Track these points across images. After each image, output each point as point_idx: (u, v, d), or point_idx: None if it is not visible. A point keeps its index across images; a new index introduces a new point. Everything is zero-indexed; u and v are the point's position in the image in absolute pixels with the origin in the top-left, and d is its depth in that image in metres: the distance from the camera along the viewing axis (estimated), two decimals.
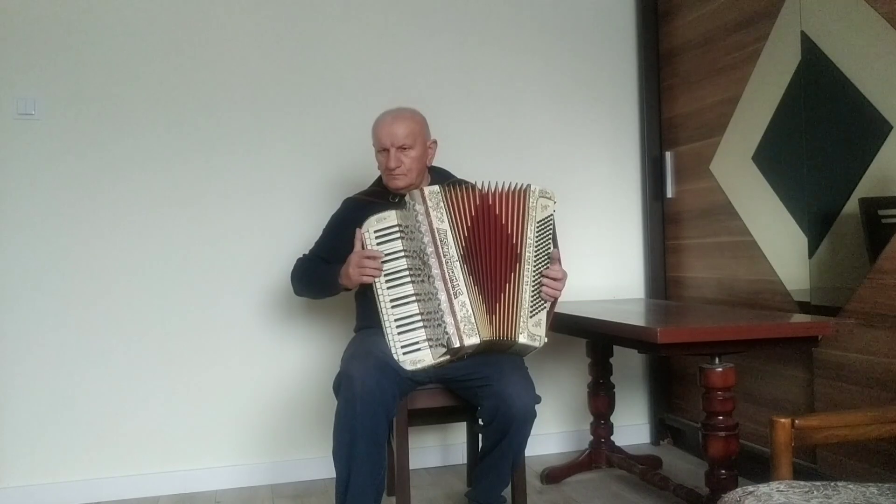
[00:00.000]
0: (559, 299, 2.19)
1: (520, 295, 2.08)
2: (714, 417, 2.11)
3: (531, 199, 2.14)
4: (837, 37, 2.28)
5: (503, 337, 2.07)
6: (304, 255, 2.43)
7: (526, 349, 2.12)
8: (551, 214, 2.18)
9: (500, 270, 2.10)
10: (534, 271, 2.11)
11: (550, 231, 2.17)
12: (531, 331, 2.08)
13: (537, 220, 2.14)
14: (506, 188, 2.14)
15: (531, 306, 2.09)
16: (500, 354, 2.13)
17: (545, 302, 2.13)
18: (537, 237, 2.13)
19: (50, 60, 2.68)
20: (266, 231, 2.86)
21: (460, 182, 2.29)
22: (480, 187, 2.15)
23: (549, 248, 2.16)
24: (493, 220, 2.12)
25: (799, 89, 2.44)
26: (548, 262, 2.15)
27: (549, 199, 2.18)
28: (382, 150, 2.28)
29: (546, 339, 2.11)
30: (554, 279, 2.13)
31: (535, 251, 2.12)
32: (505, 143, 3.11)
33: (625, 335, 2.17)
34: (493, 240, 2.11)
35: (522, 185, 2.15)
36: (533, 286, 2.10)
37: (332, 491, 2.13)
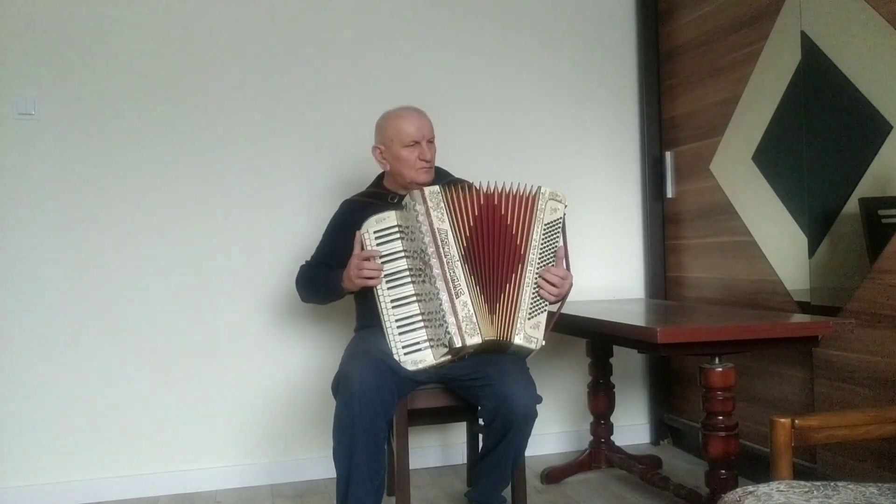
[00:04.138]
0: (566, 300, 2.18)
1: (520, 296, 2.07)
2: (714, 417, 2.11)
3: (540, 202, 2.13)
4: (837, 37, 2.28)
5: (501, 337, 2.07)
6: (306, 261, 2.42)
7: (523, 350, 2.12)
8: (560, 217, 2.16)
9: (501, 270, 2.09)
10: (537, 273, 2.10)
11: (559, 234, 2.16)
12: (528, 332, 2.07)
13: (545, 222, 2.12)
14: (516, 190, 2.13)
15: (530, 308, 2.08)
16: (501, 354, 2.12)
17: (546, 303, 2.13)
18: (543, 240, 2.12)
19: (50, 60, 2.68)
20: (266, 231, 2.86)
21: (458, 182, 2.29)
22: (486, 187, 2.14)
23: (556, 250, 2.15)
24: (497, 221, 2.11)
25: (799, 89, 2.44)
26: (553, 264, 2.14)
27: (560, 202, 2.16)
28: (413, 144, 2.26)
29: (543, 342, 2.09)
30: (555, 277, 2.10)
31: (540, 253, 2.11)
32: (504, 142, 3.11)
33: (625, 335, 2.17)
34: (497, 240, 2.10)
35: (532, 187, 2.14)
36: (535, 288, 2.09)
37: (332, 491, 2.13)
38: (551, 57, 3.18)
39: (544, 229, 2.12)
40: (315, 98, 2.91)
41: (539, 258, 2.11)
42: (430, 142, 2.30)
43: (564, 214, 2.17)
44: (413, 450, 2.31)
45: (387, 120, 2.32)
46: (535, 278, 2.10)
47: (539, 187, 2.14)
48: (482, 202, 2.12)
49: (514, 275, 2.09)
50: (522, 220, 2.11)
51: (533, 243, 2.10)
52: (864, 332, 2.20)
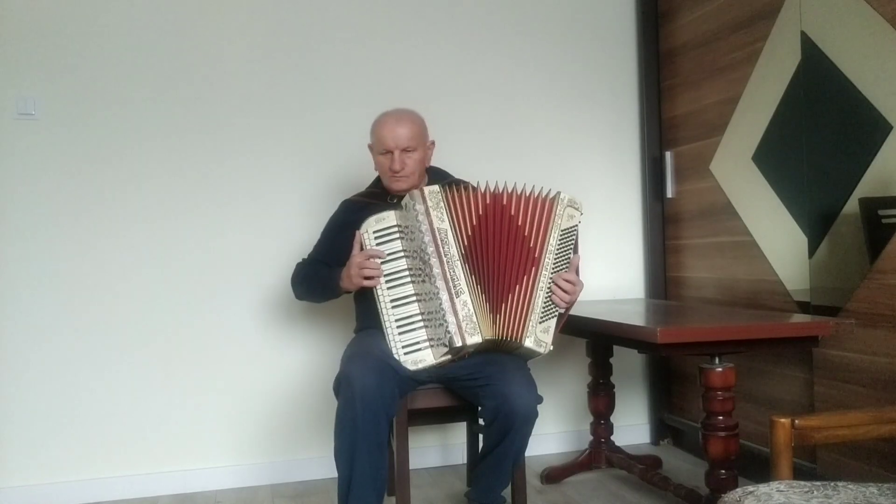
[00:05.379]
0: (573, 307, 2.18)
1: (532, 299, 2.07)
2: (714, 417, 2.11)
3: (558, 207, 2.12)
4: (837, 37, 2.28)
5: (509, 338, 2.07)
6: (303, 259, 2.42)
7: (531, 353, 2.11)
8: (576, 224, 2.15)
9: (509, 271, 2.08)
10: (550, 278, 2.09)
11: (573, 240, 2.15)
12: (538, 336, 2.07)
13: (562, 228, 2.11)
14: (530, 192, 2.12)
15: (542, 312, 2.07)
16: (502, 354, 2.12)
17: (557, 309, 2.12)
18: (559, 245, 2.11)
19: (50, 60, 2.68)
20: (267, 231, 2.86)
21: (458, 182, 2.29)
22: (493, 188, 2.13)
23: (570, 256, 2.14)
24: (506, 221, 2.10)
25: (799, 89, 2.44)
26: (566, 270, 2.13)
27: (577, 209, 2.15)
28: (386, 153, 2.26)
29: (552, 348, 2.09)
30: (567, 284, 2.10)
31: (555, 259, 2.10)
32: (504, 143, 3.11)
33: (625, 335, 2.17)
34: (504, 240, 2.09)
35: (550, 191, 2.14)
36: (547, 292, 2.09)
37: (332, 491, 2.13)
38: (551, 57, 3.18)
39: (560, 235, 2.11)
40: (314, 98, 2.91)
41: (553, 263, 2.10)
42: (406, 151, 2.25)
43: (580, 222, 2.16)
44: (413, 450, 2.31)
45: (373, 123, 2.32)
46: (549, 283, 2.09)
47: (559, 192, 2.13)
48: (488, 202, 2.11)
49: (525, 277, 2.08)
50: (538, 223, 2.10)
51: (549, 248, 2.09)
52: (864, 332, 2.20)
